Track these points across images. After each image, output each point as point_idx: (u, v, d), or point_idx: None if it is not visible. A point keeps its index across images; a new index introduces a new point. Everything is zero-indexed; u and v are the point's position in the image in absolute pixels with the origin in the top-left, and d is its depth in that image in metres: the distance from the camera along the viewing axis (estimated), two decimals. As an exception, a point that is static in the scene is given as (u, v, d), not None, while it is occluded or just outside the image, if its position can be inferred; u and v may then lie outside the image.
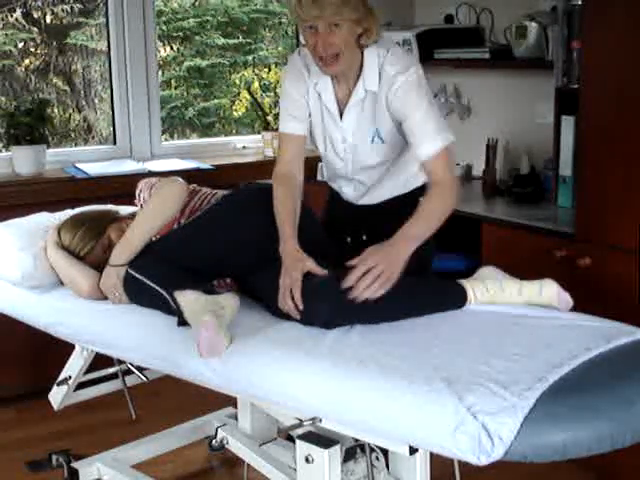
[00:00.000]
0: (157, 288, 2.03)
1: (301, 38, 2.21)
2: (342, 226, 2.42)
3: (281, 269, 2.00)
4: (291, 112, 2.24)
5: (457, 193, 2.11)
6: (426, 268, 2.31)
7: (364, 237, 2.36)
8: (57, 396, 2.66)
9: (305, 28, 2.06)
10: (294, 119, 2.24)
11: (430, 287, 2.12)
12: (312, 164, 3.28)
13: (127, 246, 2.19)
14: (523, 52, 3.26)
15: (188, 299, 1.92)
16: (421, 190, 2.26)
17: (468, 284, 2.06)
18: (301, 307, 1.91)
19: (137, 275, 2.10)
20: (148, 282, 2.06)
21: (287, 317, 1.96)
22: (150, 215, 2.23)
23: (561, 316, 1.97)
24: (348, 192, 2.40)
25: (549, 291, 2.04)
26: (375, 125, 2.20)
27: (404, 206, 2.17)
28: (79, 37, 3.92)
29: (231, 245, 2.11)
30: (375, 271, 1.89)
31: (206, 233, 2.15)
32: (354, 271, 1.89)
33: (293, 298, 1.92)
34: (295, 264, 1.97)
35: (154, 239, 2.23)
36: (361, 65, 2.15)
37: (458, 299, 2.04)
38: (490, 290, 2.05)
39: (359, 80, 2.16)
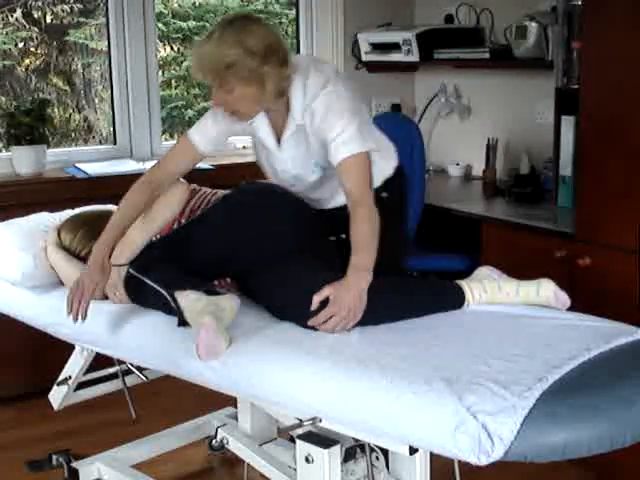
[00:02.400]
0: (158, 288, 2.03)
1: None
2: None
3: (280, 269, 2.02)
4: (209, 129, 2.21)
5: (370, 201, 2.04)
6: (397, 266, 2.30)
7: (342, 236, 2.29)
8: (57, 396, 2.66)
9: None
10: (206, 136, 2.21)
11: (429, 288, 2.13)
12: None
13: (128, 246, 2.19)
14: (523, 52, 3.26)
15: (188, 299, 1.92)
16: (384, 185, 2.27)
17: (466, 285, 2.06)
18: (84, 317, 2.03)
19: (138, 275, 2.10)
20: (149, 282, 2.06)
21: (290, 319, 1.96)
22: (151, 215, 2.23)
23: (561, 316, 1.97)
24: (310, 203, 2.39)
25: (546, 291, 2.05)
26: (313, 158, 2.20)
27: None
28: (79, 36, 3.92)
29: (231, 245, 2.11)
30: (338, 317, 1.87)
31: (207, 233, 2.15)
32: (320, 315, 1.88)
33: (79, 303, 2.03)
34: (93, 272, 2.07)
35: (154, 239, 2.23)
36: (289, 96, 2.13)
37: (456, 300, 2.05)
38: (488, 290, 2.05)
39: (288, 115, 2.15)
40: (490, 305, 2.04)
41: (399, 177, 2.37)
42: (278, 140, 2.21)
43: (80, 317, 2.04)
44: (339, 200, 2.31)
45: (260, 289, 2.12)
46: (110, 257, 2.12)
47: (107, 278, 2.10)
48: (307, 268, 2.06)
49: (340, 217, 2.32)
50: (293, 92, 2.11)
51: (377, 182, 2.25)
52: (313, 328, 1.90)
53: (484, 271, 2.15)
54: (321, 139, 2.12)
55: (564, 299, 2.05)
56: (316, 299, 1.89)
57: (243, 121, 2.16)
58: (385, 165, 2.30)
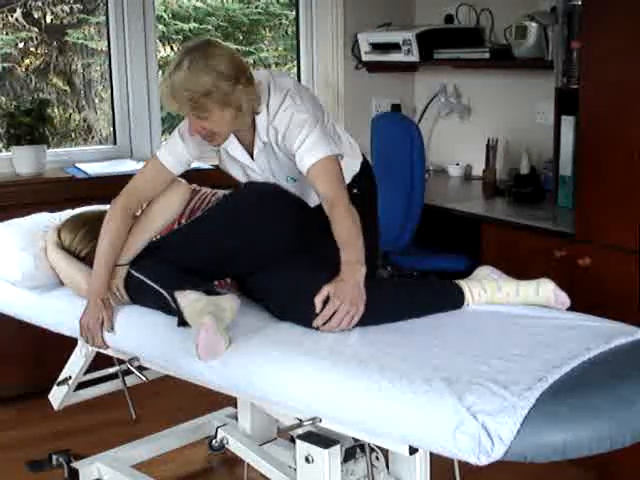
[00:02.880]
0: (158, 288, 2.03)
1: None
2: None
3: (280, 269, 2.03)
4: (179, 150, 2.20)
5: (345, 200, 2.05)
6: (375, 258, 2.32)
7: None
8: (57, 396, 2.65)
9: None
10: (176, 158, 2.21)
11: (429, 288, 2.13)
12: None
13: (128, 246, 2.19)
14: (523, 52, 3.26)
15: (189, 299, 1.92)
16: (353, 182, 2.28)
17: (465, 285, 2.07)
18: (106, 346, 2.13)
19: (138, 275, 2.11)
20: (149, 282, 2.06)
21: (291, 319, 1.97)
22: (151, 215, 2.23)
23: (561, 316, 1.97)
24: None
25: (546, 290, 2.05)
26: (284, 172, 2.23)
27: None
28: (79, 36, 3.92)
29: (231, 245, 2.11)
30: (342, 312, 1.88)
31: (207, 233, 2.15)
32: (324, 311, 1.89)
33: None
34: (95, 305, 2.10)
35: (155, 239, 2.23)
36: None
37: (456, 300, 2.05)
38: (487, 290, 2.05)
39: (255, 134, 2.17)
40: (490, 305, 2.04)
41: (366, 171, 2.39)
42: (251, 155, 2.24)
43: (103, 344, 2.15)
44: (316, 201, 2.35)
45: (260, 289, 2.12)
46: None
47: (110, 311, 2.12)
48: (307, 268, 2.06)
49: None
50: (255, 114, 2.13)
51: (347, 179, 2.25)
52: (318, 329, 1.90)
53: (484, 271, 2.15)
54: (288, 154, 2.15)
55: (563, 299, 2.05)
56: (318, 300, 1.90)
57: (219, 144, 2.18)
58: (351, 162, 2.32)
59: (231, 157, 2.28)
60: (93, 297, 2.12)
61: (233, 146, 2.24)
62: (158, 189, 2.23)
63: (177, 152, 2.22)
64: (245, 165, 2.27)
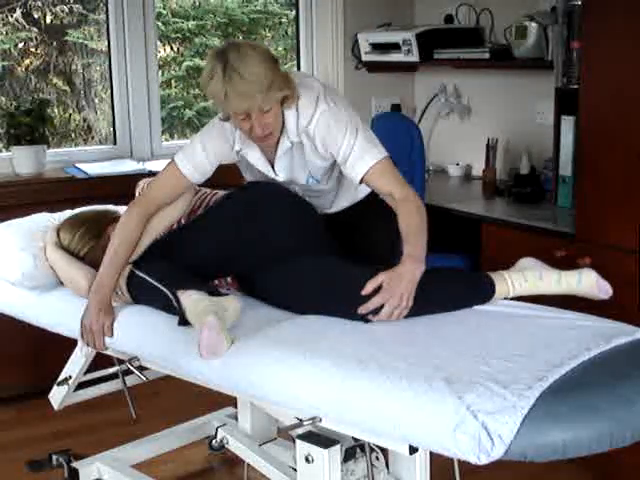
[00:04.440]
0: (160, 287, 2.03)
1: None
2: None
3: (278, 268, 2.04)
4: (198, 159, 2.17)
5: (414, 195, 2.08)
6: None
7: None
8: (57, 396, 2.65)
9: (235, 115, 2.03)
10: (195, 166, 2.18)
11: (462, 282, 2.08)
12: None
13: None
14: (523, 52, 3.26)
15: (191, 299, 1.92)
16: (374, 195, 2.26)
17: (507, 275, 2.06)
18: (102, 347, 2.13)
19: (141, 274, 2.10)
20: (151, 281, 2.06)
21: (301, 312, 2.00)
22: (157, 215, 2.23)
23: (561, 316, 1.97)
24: (318, 209, 2.41)
25: (588, 280, 2.05)
26: (307, 169, 2.21)
27: (365, 210, 2.30)
28: (79, 36, 3.92)
29: (232, 245, 2.11)
30: (390, 306, 1.90)
31: (207, 233, 2.15)
32: (371, 302, 1.91)
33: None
34: (97, 315, 2.09)
35: (156, 239, 2.23)
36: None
37: (487, 293, 2.03)
38: (529, 279, 2.05)
39: (282, 133, 2.14)
40: (490, 305, 2.04)
41: None
42: (269, 161, 2.21)
43: (103, 348, 2.14)
44: (339, 205, 2.37)
45: (261, 288, 2.13)
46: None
47: (112, 317, 2.11)
48: (311, 266, 2.07)
49: (341, 221, 2.35)
50: (285, 111, 2.10)
51: (369, 189, 2.26)
52: (363, 318, 1.91)
53: (526, 262, 2.14)
54: (322, 155, 2.13)
55: (606, 288, 2.05)
56: (370, 285, 1.91)
57: (271, 143, 2.13)
58: None
59: (250, 165, 2.25)
60: (96, 302, 2.10)
61: (253, 152, 2.21)
62: (176, 197, 2.21)
63: (197, 162, 2.17)
64: (264, 174, 2.24)
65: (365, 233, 2.32)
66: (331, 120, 2.09)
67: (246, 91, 1.96)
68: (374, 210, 2.24)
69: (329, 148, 2.10)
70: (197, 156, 2.17)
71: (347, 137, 2.07)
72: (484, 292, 2.04)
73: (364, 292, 1.91)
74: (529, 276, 2.06)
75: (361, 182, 2.10)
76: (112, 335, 2.10)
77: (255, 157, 2.21)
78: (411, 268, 1.93)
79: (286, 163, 2.20)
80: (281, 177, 2.23)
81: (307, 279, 2.06)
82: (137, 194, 2.38)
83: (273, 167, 2.21)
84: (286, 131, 2.13)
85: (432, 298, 1.98)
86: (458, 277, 2.10)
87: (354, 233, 2.32)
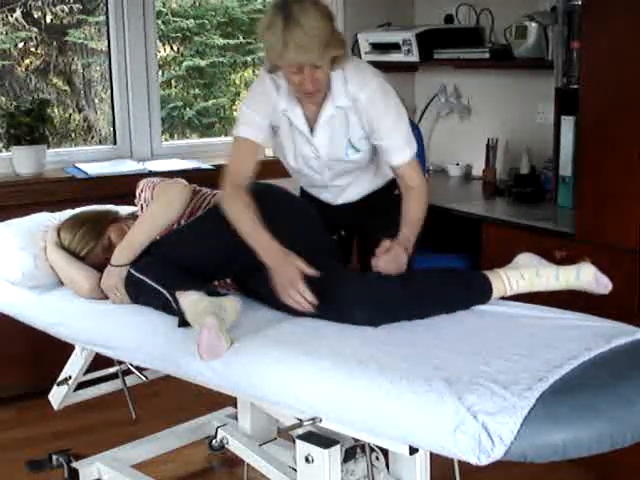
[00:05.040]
0: (159, 288, 2.03)
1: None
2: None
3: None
4: (252, 119, 2.20)
5: (427, 192, 2.26)
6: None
7: (342, 233, 2.47)
8: (57, 396, 2.66)
9: (287, 68, 2.06)
10: (253, 127, 2.19)
11: (460, 284, 2.07)
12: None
13: (129, 246, 2.19)
14: (523, 52, 3.26)
15: (190, 300, 1.92)
16: (391, 184, 2.38)
17: (503, 273, 2.05)
18: (312, 300, 1.93)
19: (139, 275, 2.10)
20: (150, 282, 2.06)
21: (299, 313, 1.99)
22: (154, 215, 2.23)
23: (561, 316, 1.97)
24: (326, 197, 2.45)
25: (587, 274, 2.03)
26: (347, 136, 2.23)
27: (378, 200, 2.40)
28: (79, 36, 3.92)
29: (231, 246, 2.11)
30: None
31: (207, 234, 2.15)
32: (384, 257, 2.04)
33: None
34: (285, 263, 1.98)
35: (155, 239, 2.23)
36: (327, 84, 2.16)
37: (485, 294, 2.03)
38: (526, 277, 2.03)
39: (327, 98, 2.17)
40: (490, 305, 2.04)
41: None
42: (309, 127, 2.23)
43: (312, 303, 1.95)
44: (347, 196, 2.42)
45: (260, 290, 2.13)
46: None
47: (294, 265, 1.98)
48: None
49: (345, 213, 2.36)
50: (333, 75, 2.14)
51: (387, 177, 2.39)
52: (355, 323, 1.92)
53: (523, 258, 2.13)
54: (365, 122, 2.18)
55: (605, 282, 2.04)
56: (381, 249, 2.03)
57: (317, 101, 2.17)
58: None
59: (292, 129, 2.26)
60: (276, 258, 1.99)
61: (296, 113, 2.22)
62: (253, 162, 2.20)
63: (257, 124, 2.19)
64: (303, 138, 2.25)
65: (374, 226, 2.38)
66: (384, 96, 2.17)
67: (305, 44, 1.99)
68: (381, 204, 2.38)
69: (374, 122, 2.17)
70: (255, 120, 2.19)
71: (396, 120, 2.18)
72: (482, 293, 2.03)
73: (380, 251, 2.02)
74: (526, 274, 2.04)
75: (393, 168, 2.23)
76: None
77: (298, 120, 2.23)
78: (402, 245, 2.08)
79: (327, 131, 2.23)
80: (319, 143, 2.25)
81: (306, 280, 2.06)
82: (137, 194, 2.38)
83: (312, 133, 2.24)
84: (331, 94, 2.16)
85: (430, 300, 1.98)
86: (455, 278, 2.09)
87: (359, 227, 2.44)
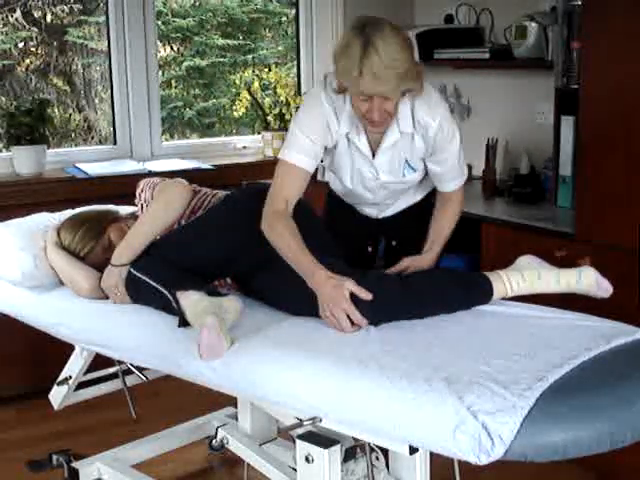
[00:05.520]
0: (160, 288, 2.03)
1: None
2: (361, 237, 2.49)
3: (279, 268, 2.02)
4: (306, 146, 2.11)
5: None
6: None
7: (393, 243, 2.50)
8: (57, 396, 2.66)
9: (357, 94, 2.00)
10: (307, 154, 2.11)
11: (461, 285, 2.05)
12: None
13: (130, 246, 2.19)
14: (523, 52, 3.26)
15: (191, 300, 1.92)
16: (430, 196, 2.40)
17: (504, 274, 2.04)
18: (360, 321, 1.88)
19: (140, 275, 2.10)
20: (150, 282, 2.06)
21: (298, 312, 2.01)
22: (154, 215, 2.23)
23: (561, 316, 1.97)
24: (370, 212, 2.46)
25: (588, 278, 2.03)
26: (405, 157, 2.22)
27: (420, 212, 2.38)
28: (79, 35, 3.92)
29: (232, 246, 2.11)
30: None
31: (207, 234, 2.15)
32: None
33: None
34: (338, 292, 1.88)
35: (155, 239, 2.23)
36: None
37: (486, 295, 2.03)
38: (527, 279, 2.03)
39: (392, 124, 2.13)
40: (490, 305, 2.04)
41: None
42: (372, 150, 2.20)
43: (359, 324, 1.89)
44: (390, 211, 2.45)
45: (260, 289, 2.13)
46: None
47: (345, 294, 1.89)
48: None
49: (385, 225, 2.43)
50: (400, 101, 2.08)
51: (426, 191, 2.42)
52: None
53: (524, 260, 2.12)
54: (430, 146, 2.17)
55: (606, 285, 2.03)
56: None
57: (381, 129, 2.13)
58: None
59: (351, 150, 2.20)
60: (327, 285, 1.90)
61: (360, 138, 2.17)
62: (301, 191, 2.13)
63: (308, 148, 2.11)
64: (363, 159, 2.22)
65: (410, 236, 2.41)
66: (451, 124, 2.17)
67: (382, 75, 1.92)
68: (417, 217, 2.41)
69: (438, 147, 2.17)
70: (302, 143, 2.11)
71: (458, 149, 2.20)
72: (483, 293, 2.03)
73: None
74: (527, 275, 2.04)
75: (441, 195, 2.30)
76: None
77: (361, 143, 2.18)
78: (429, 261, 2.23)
79: (389, 156, 2.21)
80: (380, 166, 2.22)
81: (281, 288, 2.06)
82: (137, 194, 2.38)
83: (374, 156, 2.21)
84: (397, 120, 2.12)
85: (430, 300, 1.98)
86: (456, 278, 2.08)
87: (405, 237, 2.46)
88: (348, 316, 1.87)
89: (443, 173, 2.25)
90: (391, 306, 1.94)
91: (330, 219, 2.50)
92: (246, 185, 2.31)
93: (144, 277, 2.09)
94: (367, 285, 1.93)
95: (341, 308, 1.86)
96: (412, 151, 2.20)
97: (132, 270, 2.14)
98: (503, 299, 2.06)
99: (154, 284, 2.05)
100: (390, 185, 2.30)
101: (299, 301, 2.02)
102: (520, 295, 2.06)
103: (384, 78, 1.93)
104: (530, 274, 2.04)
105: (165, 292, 2.00)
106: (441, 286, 2.02)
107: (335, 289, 1.88)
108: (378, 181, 2.27)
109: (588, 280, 2.03)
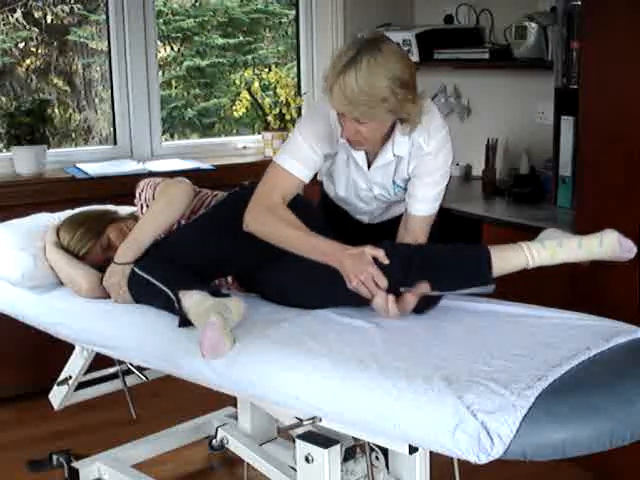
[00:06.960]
0: (163, 287, 2.02)
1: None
2: (352, 240, 2.46)
3: (279, 267, 2.04)
4: (305, 154, 2.10)
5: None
6: None
7: None
8: (57, 396, 2.66)
9: (332, 107, 1.98)
10: (304, 163, 2.10)
11: (457, 265, 2.04)
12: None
13: (133, 244, 2.19)
14: (523, 52, 3.26)
15: (194, 299, 1.91)
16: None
17: (525, 245, 2.02)
18: (383, 284, 1.91)
19: (142, 274, 2.10)
20: (153, 281, 2.05)
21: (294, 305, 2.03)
22: (159, 213, 2.23)
23: (561, 316, 1.97)
24: (362, 218, 2.45)
25: (610, 240, 1.98)
26: (395, 177, 2.21)
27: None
28: (80, 35, 3.92)
29: (233, 245, 2.11)
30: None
31: (208, 233, 2.15)
32: None
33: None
34: (362, 259, 1.91)
35: (158, 239, 2.23)
36: (391, 129, 2.08)
37: (486, 278, 1.99)
38: (548, 248, 2.00)
39: (388, 144, 2.11)
40: (490, 305, 2.04)
41: None
42: (368, 163, 2.19)
43: (391, 309, 1.93)
44: (380, 219, 2.43)
45: (262, 289, 2.14)
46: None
47: (368, 258, 1.92)
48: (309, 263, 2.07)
49: (382, 230, 2.38)
50: (398, 124, 2.06)
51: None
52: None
53: (548, 232, 2.10)
54: (414, 168, 2.15)
55: (629, 246, 1.99)
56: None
57: (360, 150, 2.11)
58: None
59: (349, 161, 2.20)
60: (346, 256, 1.92)
61: (356, 152, 2.15)
62: (289, 197, 2.10)
63: (307, 157, 2.10)
64: (359, 172, 2.21)
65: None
66: (444, 152, 2.14)
67: (352, 98, 1.88)
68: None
69: (423, 172, 2.14)
70: (301, 150, 2.09)
71: (443, 176, 2.16)
72: (481, 278, 2.00)
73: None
74: (548, 244, 2.01)
75: (407, 215, 2.20)
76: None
77: (359, 155, 2.16)
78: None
79: (381, 172, 2.19)
80: (374, 180, 2.22)
81: (309, 274, 2.06)
82: (137, 194, 2.38)
83: (369, 169, 2.20)
84: (393, 143, 2.10)
85: (443, 263, 2.01)
86: (455, 258, 2.06)
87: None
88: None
89: (415, 194, 2.17)
90: (407, 270, 1.95)
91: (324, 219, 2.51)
92: (247, 184, 2.30)
93: (147, 276, 2.08)
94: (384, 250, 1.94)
95: (368, 272, 1.89)
96: (402, 172, 2.19)
97: (135, 269, 2.13)
98: (525, 270, 2.02)
99: (157, 283, 2.05)
100: (382, 197, 2.30)
101: (306, 294, 2.02)
102: (542, 266, 2.02)
103: (354, 101, 1.88)
104: (551, 243, 2.01)
105: (168, 291, 2.00)
106: (437, 263, 2.02)
107: (358, 257, 1.91)
108: (371, 193, 2.28)
109: (610, 242, 1.98)
